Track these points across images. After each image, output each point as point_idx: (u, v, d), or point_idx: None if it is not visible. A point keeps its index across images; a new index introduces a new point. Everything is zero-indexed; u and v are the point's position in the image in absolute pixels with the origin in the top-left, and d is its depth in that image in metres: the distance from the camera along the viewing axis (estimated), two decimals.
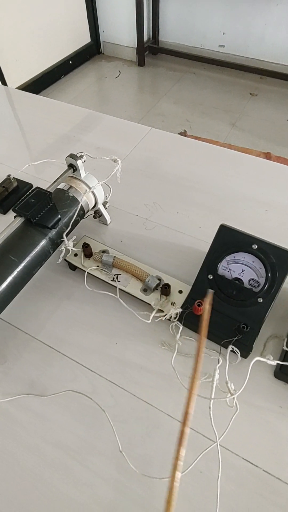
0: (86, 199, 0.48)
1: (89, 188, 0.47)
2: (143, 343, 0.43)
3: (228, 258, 0.41)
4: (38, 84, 2.20)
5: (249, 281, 0.41)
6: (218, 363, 0.36)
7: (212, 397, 0.33)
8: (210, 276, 0.42)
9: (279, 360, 0.39)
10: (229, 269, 0.41)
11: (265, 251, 0.40)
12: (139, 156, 0.67)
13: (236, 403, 0.35)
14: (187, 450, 0.35)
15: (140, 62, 2.52)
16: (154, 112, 2.19)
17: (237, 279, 0.41)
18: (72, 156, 0.46)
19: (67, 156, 0.46)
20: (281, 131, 2.05)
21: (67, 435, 0.36)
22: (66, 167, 0.47)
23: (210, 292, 0.39)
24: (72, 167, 0.47)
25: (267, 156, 1.95)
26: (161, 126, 2.08)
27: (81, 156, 0.47)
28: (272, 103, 2.24)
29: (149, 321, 0.41)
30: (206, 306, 0.38)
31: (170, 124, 2.10)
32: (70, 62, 2.39)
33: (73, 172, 0.48)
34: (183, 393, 0.38)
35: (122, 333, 0.43)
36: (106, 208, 0.54)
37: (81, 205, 0.47)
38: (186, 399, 0.30)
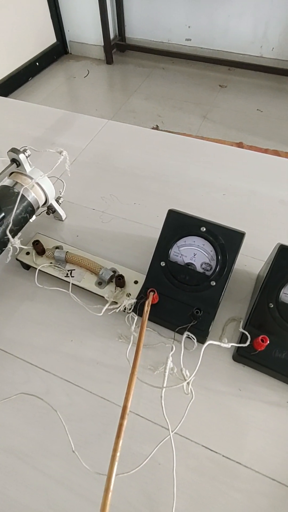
0: (34, 195, 0.46)
1: (35, 182, 0.45)
2: (100, 338, 0.41)
3: (178, 243, 0.40)
4: (5, 87, 2.15)
5: (202, 265, 0.40)
6: (172, 350, 0.35)
7: (164, 385, 0.32)
8: (163, 263, 0.41)
9: (237, 343, 0.38)
10: (181, 254, 0.40)
11: (213, 233, 0.39)
12: (96, 150, 0.65)
13: (191, 390, 0.34)
14: (145, 443, 0.34)
15: (108, 60, 2.50)
16: (125, 109, 2.18)
17: (190, 264, 0.40)
18: (14, 150, 0.44)
19: (9, 151, 0.44)
20: (252, 120, 2.07)
21: (19, 439, 0.35)
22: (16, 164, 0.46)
23: (150, 293, 0.38)
24: (15, 161, 0.45)
25: (239, 145, 1.96)
26: (133, 122, 2.06)
27: (25, 150, 0.45)
28: (242, 94, 2.26)
29: (101, 314, 0.39)
30: (145, 308, 0.37)
31: (142, 120, 2.09)
32: (37, 64, 2.35)
33: (17, 167, 0.46)
34: (140, 385, 0.37)
35: (77, 329, 0.42)
36: (59, 204, 0.53)
37: (29, 201, 0.46)
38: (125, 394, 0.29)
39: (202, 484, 0.32)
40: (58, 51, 2.51)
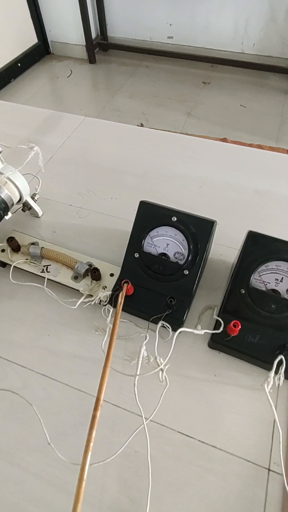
0: (7, 192, 0.46)
1: (7, 178, 0.45)
2: (77, 331, 0.41)
3: (151, 233, 0.41)
4: None
5: (175, 254, 0.40)
6: (145, 339, 0.36)
7: (137, 373, 0.33)
8: (136, 255, 0.41)
9: (213, 329, 0.39)
10: (154, 244, 0.41)
11: (184, 222, 0.39)
12: (73, 146, 0.65)
13: (165, 378, 0.34)
14: (122, 431, 0.35)
15: (91, 60, 2.50)
16: (110, 108, 2.18)
17: (164, 254, 0.41)
18: None
19: None
20: (236, 116, 2.08)
21: None
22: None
23: (123, 284, 0.38)
24: None
25: (224, 141, 1.97)
26: (117, 121, 2.06)
27: None
28: (225, 90, 2.27)
29: (75, 307, 0.39)
30: (119, 300, 0.37)
31: (126, 118, 2.09)
32: (19, 65, 2.33)
33: None
34: (116, 375, 0.37)
35: (54, 324, 0.42)
36: (35, 201, 0.52)
37: (2, 198, 0.45)
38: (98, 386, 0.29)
39: (178, 469, 0.32)
40: (40, 51, 2.50)
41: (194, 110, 2.12)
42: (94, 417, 0.30)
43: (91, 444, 0.29)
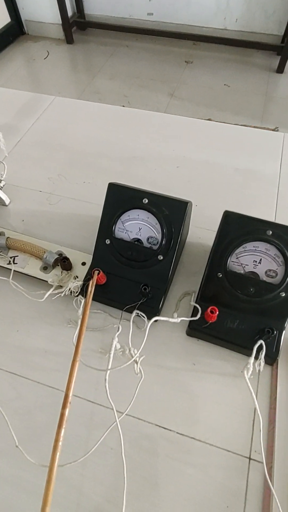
0: None
1: None
2: (48, 325, 0.39)
3: (122, 218, 0.38)
4: None
5: (148, 239, 0.38)
6: (118, 331, 0.34)
7: (109, 367, 0.31)
8: (108, 241, 0.38)
9: (191, 316, 0.37)
10: (126, 229, 0.38)
11: (156, 204, 0.36)
12: (42, 128, 0.61)
13: (140, 369, 0.33)
14: (96, 428, 0.33)
15: (69, 40, 2.38)
16: (90, 90, 2.09)
17: (137, 239, 0.38)
18: None
19: None
20: (220, 96, 2.03)
21: None
22: None
23: (94, 272, 0.36)
24: None
25: None
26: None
27: None
28: (208, 69, 2.21)
29: (43, 300, 0.37)
30: (89, 289, 0.35)
31: (107, 101, 2.01)
32: None
33: None
34: (90, 371, 0.35)
35: (23, 318, 0.39)
36: (1, 188, 0.49)
37: None
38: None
39: (155, 463, 0.31)
40: (14, 31, 2.37)
41: (177, 91, 2.06)
42: (62, 415, 0.28)
43: (60, 444, 0.27)
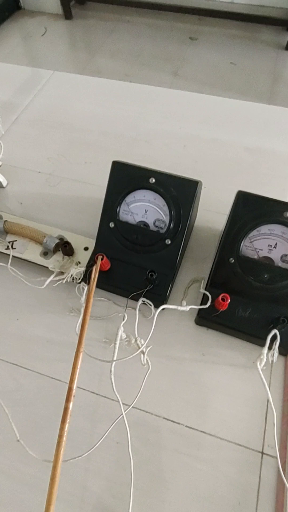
0: None
1: None
2: (49, 313, 0.37)
3: (127, 199, 0.35)
4: None
5: (155, 222, 0.35)
6: (123, 320, 0.32)
7: (114, 358, 0.29)
8: (112, 224, 0.36)
9: (200, 304, 0.35)
10: (131, 212, 0.35)
11: (164, 184, 0.34)
12: (40, 105, 0.57)
13: (147, 360, 0.31)
14: (101, 421, 0.31)
15: (67, 15, 2.27)
16: (90, 69, 2.01)
17: (143, 222, 0.36)
18: None
19: None
20: (226, 75, 1.95)
21: None
22: None
23: (98, 257, 0.33)
24: None
25: None
26: None
27: None
28: (214, 46, 2.11)
29: (43, 287, 0.35)
30: (92, 275, 0.32)
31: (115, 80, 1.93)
32: None
33: None
34: (93, 361, 0.33)
35: (24, 306, 0.37)
36: None
37: None
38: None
39: (163, 458, 0.29)
40: (10, 6, 2.26)
41: (181, 70, 1.98)
42: (66, 409, 0.26)
43: (64, 439, 0.25)
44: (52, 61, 2.05)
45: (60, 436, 0.25)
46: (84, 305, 0.34)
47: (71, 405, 0.26)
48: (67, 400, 0.26)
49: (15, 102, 0.57)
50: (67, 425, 0.26)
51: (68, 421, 0.26)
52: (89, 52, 2.11)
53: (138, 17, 2.28)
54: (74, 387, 0.26)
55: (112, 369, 0.28)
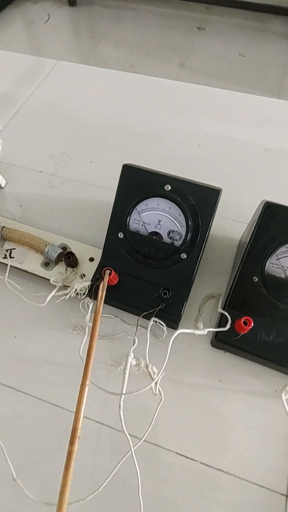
0: None
1: None
2: (51, 331, 0.34)
3: (139, 207, 0.32)
4: None
5: (169, 233, 0.32)
6: (134, 344, 0.28)
7: (124, 391, 0.26)
8: (121, 235, 0.32)
9: (215, 326, 0.31)
10: (143, 222, 0.32)
11: (181, 192, 0.30)
12: (43, 97, 0.53)
13: (160, 391, 0.28)
14: (109, 456, 0.28)
15: (71, 1, 2.20)
16: (94, 59, 1.95)
17: (155, 233, 0.32)
18: None
19: None
20: (234, 67, 1.88)
21: None
22: None
23: (105, 272, 0.30)
24: None
25: None
26: None
27: None
28: (222, 37, 2.04)
29: (44, 304, 0.31)
30: (99, 293, 0.29)
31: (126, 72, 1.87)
32: None
33: None
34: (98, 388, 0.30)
35: (22, 322, 0.34)
36: None
37: None
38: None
39: (176, 499, 0.27)
40: None
41: (187, 61, 1.91)
42: (70, 453, 0.23)
43: (68, 487, 0.22)
44: (55, 50, 1.98)
45: (64, 485, 0.22)
46: (89, 324, 0.31)
47: (75, 448, 0.23)
48: (71, 442, 0.23)
49: (15, 93, 0.53)
50: (71, 472, 0.22)
51: (72, 466, 0.22)
52: (93, 40, 2.04)
53: (144, 5, 2.21)
54: (79, 426, 0.23)
55: (121, 403, 0.25)
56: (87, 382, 0.24)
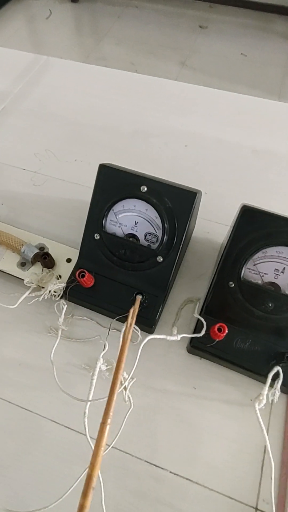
0: None
1: None
2: (24, 332, 0.33)
3: (115, 208, 0.31)
4: None
5: (146, 236, 0.31)
6: (104, 349, 0.28)
7: (90, 398, 0.25)
8: (97, 236, 0.31)
9: (193, 331, 0.31)
10: (119, 223, 0.31)
11: (158, 193, 0.29)
12: (30, 94, 0.52)
13: (129, 397, 0.27)
14: (76, 463, 0.28)
15: None
16: (95, 56, 1.93)
17: (132, 235, 0.31)
18: None
19: None
20: (235, 66, 1.87)
21: None
22: None
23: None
24: None
25: None
26: None
27: None
28: (224, 36, 2.02)
29: (15, 306, 0.31)
30: (128, 320, 0.26)
31: (113, 68, 1.86)
32: None
33: None
34: (66, 389, 0.29)
35: None
36: None
37: None
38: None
39: (143, 509, 0.26)
40: None
41: (189, 60, 1.90)
42: (82, 508, 0.18)
43: None
44: (56, 46, 1.97)
45: None
46: (63, 327, 0.30)
47: (89, 502, 0.19)
48: (84, 495, 0.18)
49: (2, 90, 0.52)
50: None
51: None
52: (95, 37, 2.03)
53: (146, 3, 2.19)
54: (96, 474, 0.19)
55: (86, 411, 0.24)
56: (109, 420, 0.21)
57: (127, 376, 0.27)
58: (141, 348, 0.26)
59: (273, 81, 1.80)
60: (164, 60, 1.90)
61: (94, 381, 0.25)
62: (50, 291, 0.32)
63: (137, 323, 0.29)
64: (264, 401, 0.27)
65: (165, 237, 0.30)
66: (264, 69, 1.86)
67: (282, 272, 0.28)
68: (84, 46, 2.00)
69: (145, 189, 0.29)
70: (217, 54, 1.92)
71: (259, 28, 2.06)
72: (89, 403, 0.25)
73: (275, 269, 0.28)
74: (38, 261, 0.34)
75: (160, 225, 0.30)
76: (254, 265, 0.28)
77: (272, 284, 0.28)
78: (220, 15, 2.11)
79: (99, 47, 1.99)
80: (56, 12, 2.16)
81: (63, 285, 0.32)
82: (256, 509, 0.26)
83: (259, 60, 1.89)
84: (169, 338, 0.28)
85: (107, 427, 0.21)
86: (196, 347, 0.30)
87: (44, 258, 0.33)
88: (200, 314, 0.30)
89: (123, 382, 0.27)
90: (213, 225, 0.39)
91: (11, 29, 2.06)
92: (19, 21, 2.12)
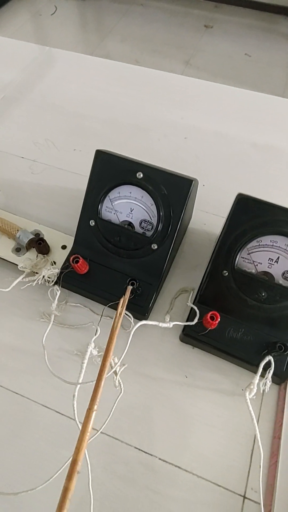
0: None
1: None
2: (17, 317, 0.33)
3: (111, 195, 0.31)
4: None
5: (141, 223, 0.31)
6: (96, 334, 0.28)
7: (80, 381, 0.25)
8: (92, 222, 0.31)
9: (186, 320, 0.31)
10: (115, 210, 0.31)
11: (154, 181, 0.29)
12: (30, 83, 0.52)
13: (120, 382, 0.27)
14: (65, 447, 0.28)
15: None
16: (99, 53, 1.93)
17: (128, 222, 0.31)
18: None
19: None
20: (239, 66, 1.87)
21: None
22: None
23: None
24: None
25: None
26: None
27: None
28: (229, 36, 2.02)
29: (8, 289, 0.31)
30: (118, 309, 0.26)
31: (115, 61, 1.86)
32: None
33: None
34: (58, 374, 0.29)
35: None
36: None
37: None
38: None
39: (131, 495, 0.26)
40: None
41: (193, 59, 1.90)
42: (66, 490, 0.19)
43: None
44: (60, 42, 1.97)
45: None
46: (56, 312, 0.30)
47: (73, 484, 0.19)
48: (69, 477, 0.19)
49: (3, 78, 0.52)
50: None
51: (67, 507, 0.19)
52: (99, 34, 2.03)
53: (152, 1, 2.19)
54: (80, 459, 0.20)
55: (76, 393, 0.24)
56: (95, 406, 0.21)
57: (117, 361, 0.27)
58: (132, 333, 0.26)
59: (277, 82, 1.80)
60: (169, 59, 1.90)
61: (85, 365, 0.25)
62: (44, 276, 0.31)
63: (130, 310, 0.29)
64: (255, 390, 0.27)
65: (160, 225, 0.29)
66: (268, 69, 1.86)
67: (276, 262, 0.28)
68: (88, 43, 2.00)
69: (141, 175, 0.29)
70: (221, 54, 1.92)
71: (264, 29, 2.05)
72: (78, 386, 0.25)
73: (269, 258, 0.28)
74: (33, 247, 0.34)
75: (155, 212, 0.30)
76: (249, 254, 0.28)
77: (266, 273, 0.28)
78: (225, 15, 2.11)
79: (103, 44, 1.98)
80: (62, 8, 2.16)
81: (57, 271, 0.32)
82: (244, 497, 0.26)
83: (263, 60, 1.89)
84: (162, 324, 0.28)
85: (93, 413, 0.21)
86: (189, 335, 0.30)
87: (39, 244, 0.33)
88: (193, 303, 0.30)
89: (113, 366, 0.27)
90: (210, 216, 0.39)
91: (16, 25, 2.06)
92: (24, 16, 2.12)
